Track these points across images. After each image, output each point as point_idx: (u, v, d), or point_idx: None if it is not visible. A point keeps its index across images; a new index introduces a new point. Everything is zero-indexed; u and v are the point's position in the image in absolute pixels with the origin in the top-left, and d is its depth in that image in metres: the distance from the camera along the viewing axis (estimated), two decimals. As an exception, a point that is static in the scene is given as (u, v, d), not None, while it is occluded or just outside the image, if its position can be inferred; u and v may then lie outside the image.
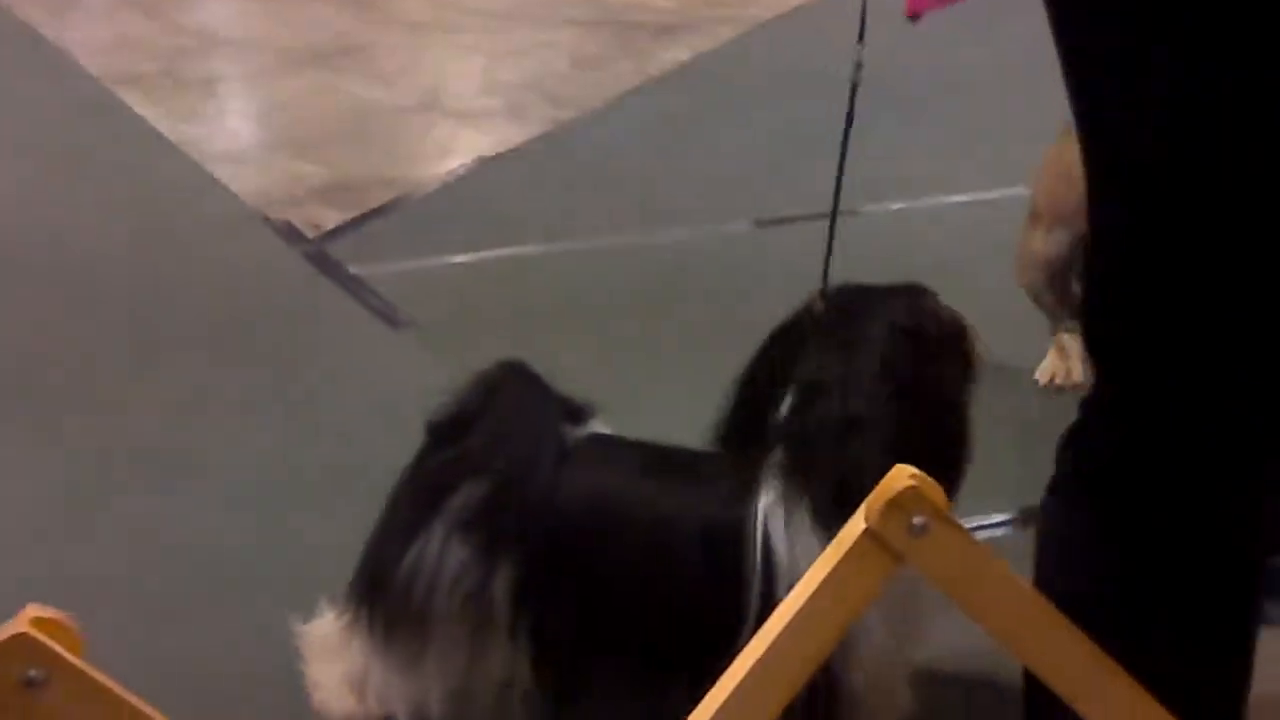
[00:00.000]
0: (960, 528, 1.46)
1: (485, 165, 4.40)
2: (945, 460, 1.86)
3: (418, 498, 2.02)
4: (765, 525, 1.89)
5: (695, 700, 1.45)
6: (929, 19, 2.35)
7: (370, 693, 2.05)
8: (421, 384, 3.15)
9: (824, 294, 1.99)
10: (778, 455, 1.92)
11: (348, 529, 2.14)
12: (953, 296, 3.43)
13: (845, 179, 1.96)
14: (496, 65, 5.29)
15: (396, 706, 2.03)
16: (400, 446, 2.85)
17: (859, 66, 1.91)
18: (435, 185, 4.24)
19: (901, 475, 1.44)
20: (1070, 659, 1.49)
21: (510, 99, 4.96)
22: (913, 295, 2.01)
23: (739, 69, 5.33)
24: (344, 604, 2.07)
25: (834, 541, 1.44)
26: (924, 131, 4.60)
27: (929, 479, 1.44)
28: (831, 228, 2.02)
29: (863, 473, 1.70)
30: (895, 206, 4.06)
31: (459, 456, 1.99)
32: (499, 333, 3.34)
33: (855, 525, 1.44)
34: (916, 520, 1.42)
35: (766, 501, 1.90)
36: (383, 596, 2.00)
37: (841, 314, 1.97)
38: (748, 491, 1.92)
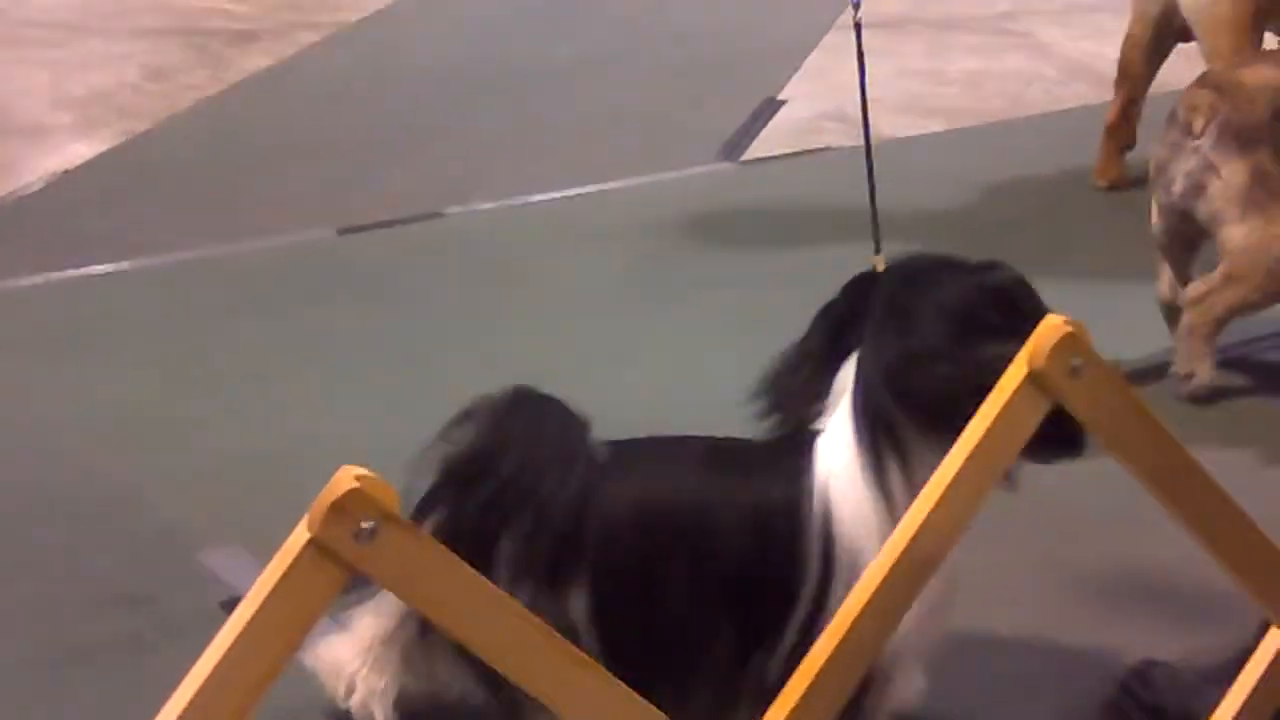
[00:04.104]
0: (412, 528, 1.36)
1: (54, 183, 4.20)
2: None
3: (466, 549, 1.89)
4: (825, 495, 1.86)
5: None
6: None
7: None
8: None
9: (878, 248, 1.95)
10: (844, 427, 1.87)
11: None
12: (542, 294, 3.46)
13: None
14: (64, 79, 5.05)
15: None
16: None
17: (857, 6, 2.10)
18: (-1, 207, 4.04)
19: (346, 477, 1.31)
20: (541, 663, 1.42)
21: (80, 113, 4.75)
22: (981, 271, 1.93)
23: (319, 75, 5.22)
24: None
25: (280, 551, 1.32)
26: (509, 128, 4.60)
27: (378, 479, 1.32)
28: (869, 159, 2.04)
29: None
30: (484, 206, 4.02)
31: (495, 496, 1.87)
32: (66, 357, 3.19)
33: (299, 535, 1.32)
34: (365, 524, 1.32)
35: (828, 471, 1.87)
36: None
37: (905, 281, 1.92)
38: (800, 467, 1.88)
